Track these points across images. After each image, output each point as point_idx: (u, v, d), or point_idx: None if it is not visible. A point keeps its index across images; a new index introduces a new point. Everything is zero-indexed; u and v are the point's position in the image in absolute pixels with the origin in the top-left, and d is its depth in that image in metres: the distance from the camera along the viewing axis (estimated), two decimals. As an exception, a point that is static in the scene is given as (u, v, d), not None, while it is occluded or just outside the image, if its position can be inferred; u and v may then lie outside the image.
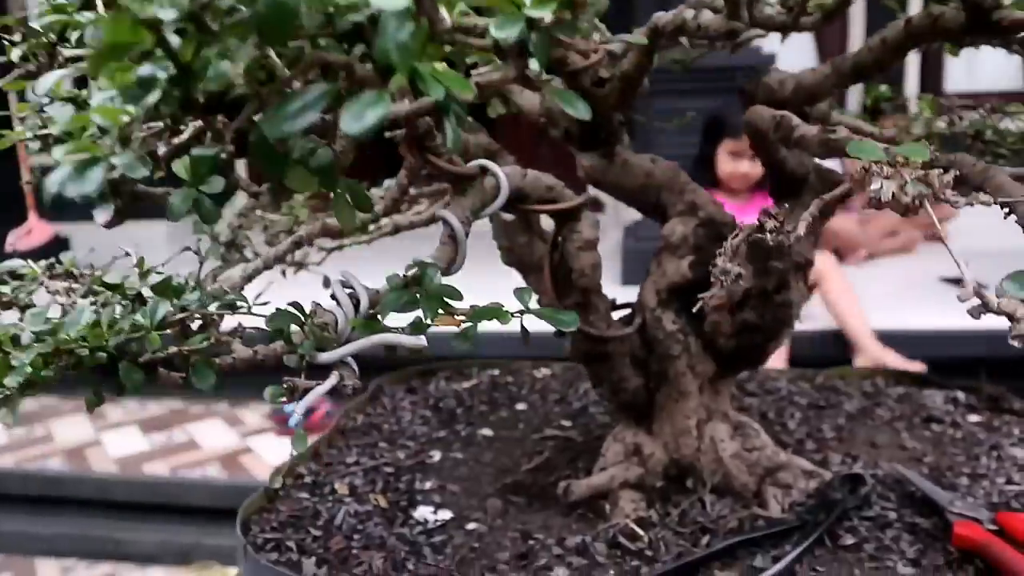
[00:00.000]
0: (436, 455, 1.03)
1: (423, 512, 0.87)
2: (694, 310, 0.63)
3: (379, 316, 0.57)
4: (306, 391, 0.50)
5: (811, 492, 0.87)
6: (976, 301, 0.38)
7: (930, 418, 1.10)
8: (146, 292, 0.61)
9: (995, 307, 0.38)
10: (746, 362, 0.88)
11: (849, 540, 0.80)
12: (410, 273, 0.60)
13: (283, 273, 0.90)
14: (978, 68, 4.22)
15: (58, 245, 3.92)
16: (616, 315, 0.90)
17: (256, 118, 0.34)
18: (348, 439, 1.08)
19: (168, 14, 0.33)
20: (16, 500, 2.75)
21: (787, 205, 0.86)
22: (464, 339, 0.55)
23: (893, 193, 0.42)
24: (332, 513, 0.87)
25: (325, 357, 0.52)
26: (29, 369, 0.48)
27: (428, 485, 0.94)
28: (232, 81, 0.34)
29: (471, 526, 0.85)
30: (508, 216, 0.76)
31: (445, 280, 0.61)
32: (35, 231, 4.02)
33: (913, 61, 4.65)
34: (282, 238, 0.98)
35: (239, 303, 0.55)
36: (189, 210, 0.41)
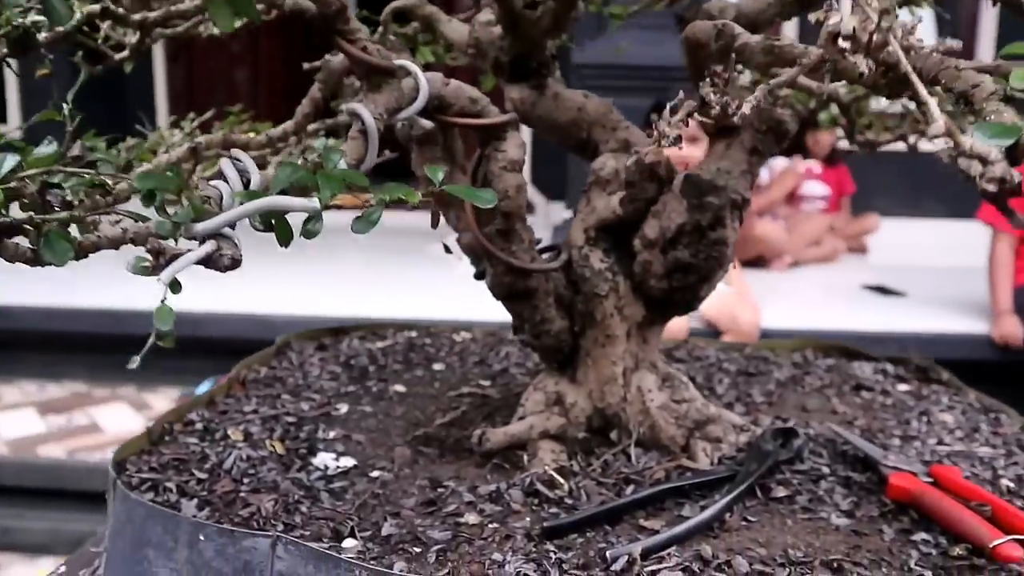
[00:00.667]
0: (343, 408, 0.95)
1: (323, 458, 0.79)
2: (628, 163, 0.57)
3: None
4: (175, 257, 0.42)
5: (741, 446, 0.82)
6: (948, 142, 0.33)
7: (860, 386, 1.07)
8: None
9: (968, 148, 0.33)
10: (677, 306, 0.83)
11: (781, 492, 0.75)
12: (312, 158, 0.53)
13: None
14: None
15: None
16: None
17: None
18: (248, 389, 0.99)
19: None
20: None
21: (724, 142, 0.82)
22: (367, 223, 0.48)
23: (854, 28, 0.37)
24: (222, 457, 0.78)
25: (202, 227, 0.45)
26: None
27: (332, 434, 0.86)
28: None
29: (375, 474, 0.77)
30: (426, 123, 0.69)
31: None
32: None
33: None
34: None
35: (109, 179, 0.47)
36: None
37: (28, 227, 0.47)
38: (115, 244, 0.50)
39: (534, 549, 0.63)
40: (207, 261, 0.43)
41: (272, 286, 3.08)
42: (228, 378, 0.99)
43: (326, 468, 0.78)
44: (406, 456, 0.81)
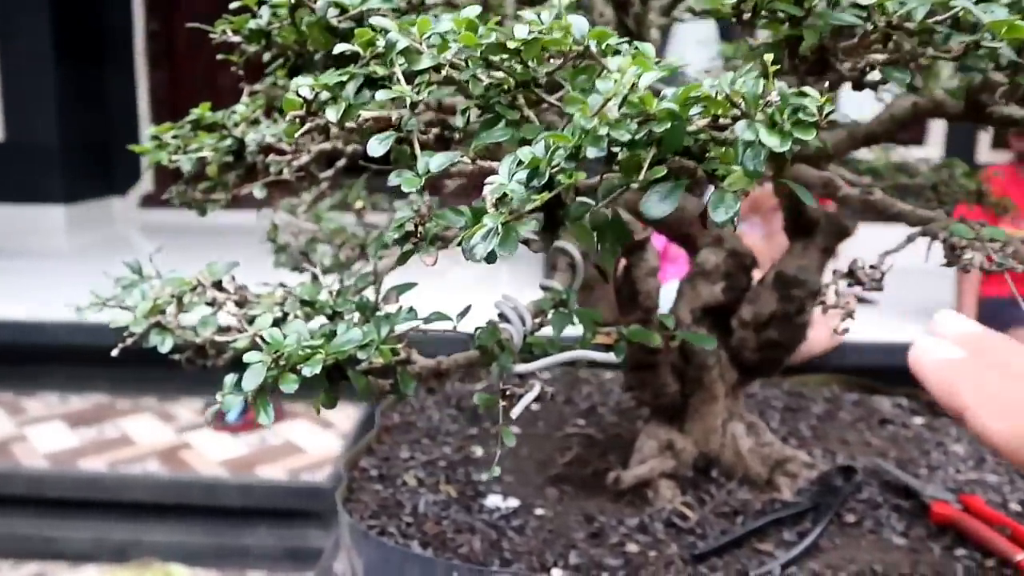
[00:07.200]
0: (478, 451, 1.15)
1: (494, 500, 1.00)
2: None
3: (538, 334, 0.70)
4: (519, 397, 0.63)
5: (813, 480, 1.05)
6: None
7: (884, 420, 1.30)
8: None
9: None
10: (764, 372, 1.05)
11: (851, 519, 0.98)
12: (554, 298, 0.73)
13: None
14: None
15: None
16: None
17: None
18: (393, 436, 1.18)
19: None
20: (-69, 498, 2.65)
21: (802, 243, 1.04)
22: (618, 352, 0.68)
23: (982, 263, 0.59)
24: (414, 502, 0.98)
25: (521, 369, 0.65)
26: (297, 381, 0.58)
27: (484, 477, 1.06)
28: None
29: (539, 512, 0.98)
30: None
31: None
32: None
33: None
34: (355, 249, 1.09)
35: (441, 320, 0.66)
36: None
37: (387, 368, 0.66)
38: (432, 374, 0.70)
39: (692, 571, 0.85)
40: (537, 398, 0.63)
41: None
42: (377, 428, 1.18)
43: (498, 509, 0.98)
44: (555, 495, 1.02)
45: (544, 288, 0.77)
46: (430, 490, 1.02)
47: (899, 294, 3.59)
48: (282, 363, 0.57)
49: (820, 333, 3.03)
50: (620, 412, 1.30)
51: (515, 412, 0.63)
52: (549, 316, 0.70)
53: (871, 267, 0.67)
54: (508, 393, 0.63)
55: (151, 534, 2.55)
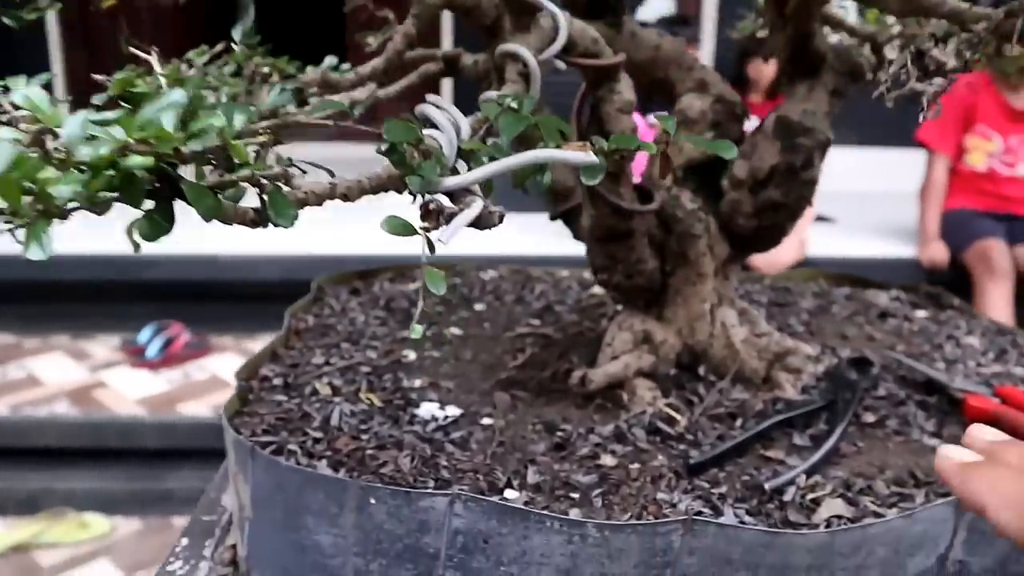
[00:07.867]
0: (410, 355, 0.94)
1: (429, 409, 0.79)
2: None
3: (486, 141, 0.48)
4: (450, 216, 0.41)
5: (820, 375, 0.86)
6: None
7: (884, 313, 1.12)
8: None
9: None
10: (762, 243, 0.85)
11: (871, 418, 0.79)
12: (506, 103, 0.51)
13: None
14: None
15: None
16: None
17: None
18: (305, 340, 0.96)
19: None
20: None
21: (807, 84, 0.83)
22: (594, 172, 0.47)
23: None
24: (325, 414, 0.76)
25: (455, 181, 0.43)
26: (80, 181, 0.35)
27: (417, 383, 0.85)
28: None
29: (486, 421, 0.77)
30: (561, 64, 0.67)
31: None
32: None
33: None
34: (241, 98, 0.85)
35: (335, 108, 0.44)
36: None
37: (253, 186, 0.44)
38: (322, 200, 0.47)
39: (688, 486, 0.65)
40: (477, 223, 0.42)
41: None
42: (284, 331, 0.96)
43: (434, 419, 0.77)
44: (506, 401, 0.81)
45: (487, 100, 0.55)
46: (347, 399, 0.80)
47: (860, 214, 3.46)
48: (54, 152, 0.34)
49: (788, 246, 2.88)
50: (581, 311, 1.09)
51: (447, 236, 0.41)
52: (495, 122, 0.48)
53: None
54: (432, 208, 0.41)
55: (63, 481, 2.30)
